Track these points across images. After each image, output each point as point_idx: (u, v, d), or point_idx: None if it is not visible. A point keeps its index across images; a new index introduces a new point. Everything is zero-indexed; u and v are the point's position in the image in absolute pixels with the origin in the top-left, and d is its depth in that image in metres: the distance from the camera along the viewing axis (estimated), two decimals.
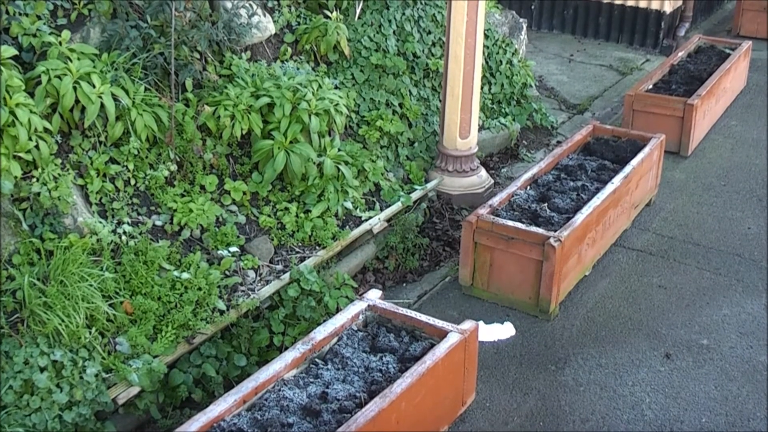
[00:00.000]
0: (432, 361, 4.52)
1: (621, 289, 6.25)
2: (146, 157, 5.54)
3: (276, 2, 7.10)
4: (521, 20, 9.76)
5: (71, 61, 5.16)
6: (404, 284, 6.42)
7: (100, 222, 5.11)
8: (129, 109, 5.34)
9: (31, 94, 4.97)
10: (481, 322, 5.59)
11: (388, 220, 6.62)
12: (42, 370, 4.40)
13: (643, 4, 11.62)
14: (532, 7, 12.31)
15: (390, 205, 6.73)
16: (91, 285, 4.76)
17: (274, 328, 5.43)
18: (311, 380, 4.54)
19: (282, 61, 6.82)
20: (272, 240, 5.96)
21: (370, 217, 6.50)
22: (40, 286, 4.64)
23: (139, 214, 5.43)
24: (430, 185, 7.14)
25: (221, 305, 5.26)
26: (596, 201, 6.19)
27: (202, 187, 5.84)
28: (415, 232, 6.68)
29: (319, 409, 4.28)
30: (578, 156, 7.25)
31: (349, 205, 6.39)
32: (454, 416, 4.93)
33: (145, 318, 4.96)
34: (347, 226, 6.33)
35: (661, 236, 6.95)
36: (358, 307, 5.06)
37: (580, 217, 5.97)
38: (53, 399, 4.37)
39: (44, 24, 5.31)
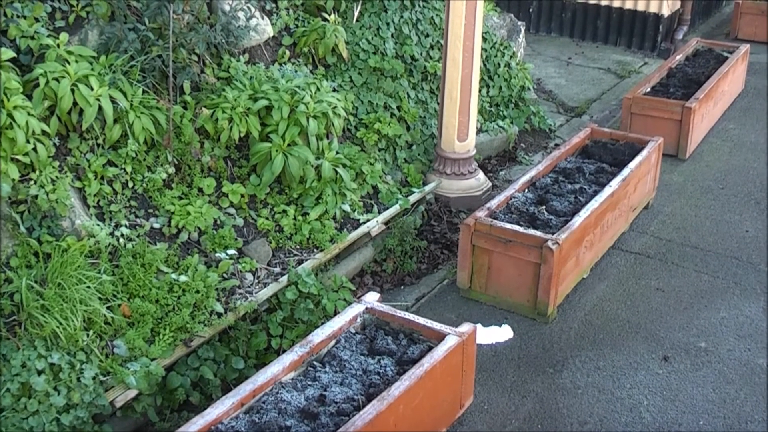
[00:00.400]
0: (430, 364, 4.52)
1: (619, 292, 6.25)
2: (144, 159, 5.54)
3: (274, 5, 7.11)
4: (519, 23, 9.77)
5: (69, 63, 5.16)
6: (402, 287, 6.41)
7: (98, 224, 5.11)
8: (127, 111, 5.34)
9: (29, 97, 4.96)
10: (479, 325, 5.58)
11: (386, 223, 6.62)
12: (39, 373, 4.40)
13: (641, 8, 11.64)
14: (531, 10, 12.33)
15: (388, 208, 6.73)
16: (88, 288, 4.75)
17: (272, 330, 5.43)
18: (309, 383, 4.54)
19: (280, 64, 6.83)
20: (270, 243, 5.96)
21: (368, 220, 6.50)
22: (38, 288, 4.63)
23: (136, 216, 5.43)
24: (428, 188, 7.14)
25: (219, 308, 5.26)
26: (594, 204, 6.19)
27: (200, 190, 5.84)
28: (413, 235, 6.67)
29: (317, 412, 4.28)
30: (576, 159, 7.25)
31: (347, 207, 6.39)
32: (452, 419, 4.92)
33: (142, 321, 4.95)
34: (345, 229, 6.33)
35: (659, 239, 6.96)
36: (356, 309, 5.05)
37: (578, 220, 5.97)
38: (51, 402, 4.36)
39: (42, 26, 5.31)
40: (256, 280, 5.68)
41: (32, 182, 4.87)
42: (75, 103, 5.09)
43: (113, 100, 5.25)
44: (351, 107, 7.01)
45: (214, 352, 5.15)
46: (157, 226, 5.48)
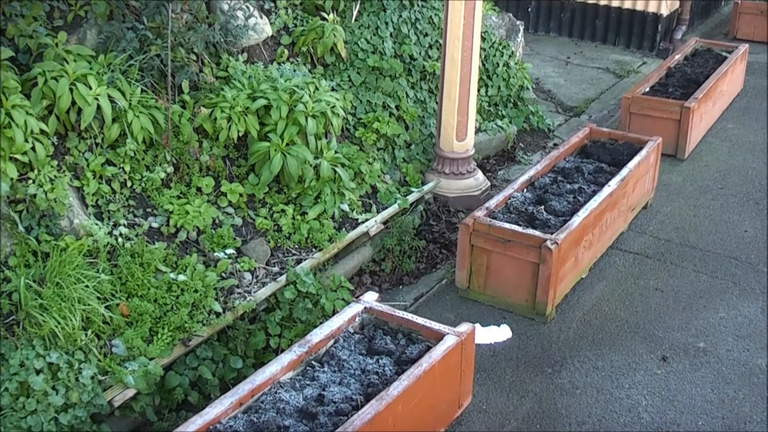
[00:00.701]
0: (428, 364, 4.51)
1: (618, 292, 6.25)
2: (142, 159, 5.53)
3: (272, 4, 7.10)
4: (518, 23, 9.77)
5: (68, 62, 5.15)
6: (401, 287, 6.41)
7: (96, 224, 5.10)
8: (125, 110, 5.33)
9: (28, 96, 4.96)
10: (477, 325, 5.58)
11: (385, 223, 6.62)
12: (38, 372, 4.39)
13: (639, 7, 11.63)
14: (530, 9, 12.32)
15: (386, 208, 6.73)
16: (87, 287, 4.75)
17: (271, 330, 5.43)
18: (307, 383, 4.54)
19: (279, 63, 6.82)
20: (269, 242, 5.96)
21: (367, 220, 6.49)
22: (36, 288, 4.63)
23: (135, 216, 5.42)
24: (426, 188, 7.14)
25: (217, 307, 5.25)
26: (593, 204, 6.19)
27: (199, 189, 5.84)
28: (411, 235, 6.67)
29: (316, 412, 4.27)
30: (575, 159, 7.25)
31: (345, 207, 6.38)
32: (450, 419, 4.92)
33: (141, 320, 4.95)
34: (344, 229, 6.33)
35: (657, 239, 6.96)
36: (354, 309, 5.05)
37: (576, 220, 5.96)
38: (49, 401, 4.35)
39: (41, 25, 5.30)
40: (255, 280, 5.67)
41: (31, 181, 4.87)
42: (73, 102, 5.09)
43: (112, 100, 5.24)
44: (350, 106, 7.00)
45: (212, 351, 5.15)
46: (155, 225, 5.48)
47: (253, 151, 5.98)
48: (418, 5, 8.17)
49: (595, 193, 6.42)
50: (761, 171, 8.15)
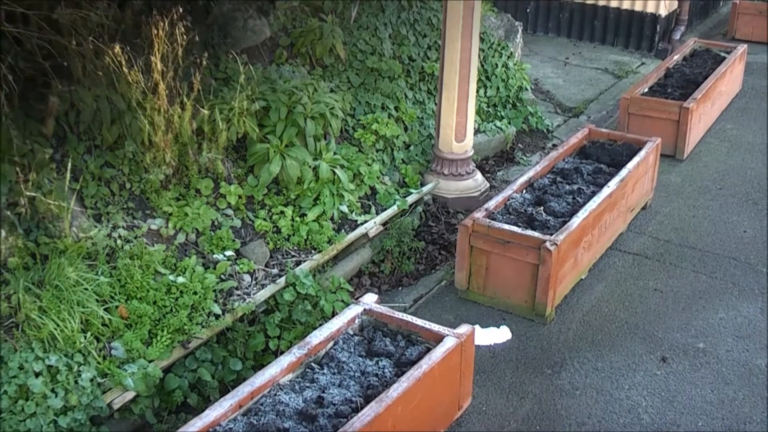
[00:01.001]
0: (428, 366, 4.51)
1: (617, 292, 6.25)
2: (141, 160, 5.53)
3: (271, 5, 7.09)
4: (517, 23, 9.76)
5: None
6: (400, 288, 6.41)
7: (96, 226, 5.10)
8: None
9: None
10: (477, 326, 5.58)
11: (384, 224, 6.61)
12: (37, 375, 4.39)
13: (638, 8, 11.63)
14: (528, 10, 12.32)
15: (386, 209, 6.73)
16: (86, 289, 4.75)
17: (270, 332, 5.42)
18: (307, 385, 4.53)
19: (278, 65, 6.82)
20: (268, 244, 5.95)
21: (366, 221, 6.49)
22: (35, 290, 4.62)
23: (134, 218, 5.42)
24: (425, 189, 7.14)
25: (217, 309, 5.25)
26: (592, 205, 6.19)
27: (198, 191, 5.83)
28: (410, 236, 6.67)
29: (315, 414, 4.27)
30: (574, 159, 7.24)
31: (344, 208, 6.38)
32: (450, 420, 4.92)
33: (140, 322, 4.94)
34: (343, 230, 6.33)
35: (657, 240, 6.95)
36: (354, 311, 5.05)
37: (576, 221, 5.96)
38: (48, 404, 4.35)
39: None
40: (254, 282, 5.67)
41: (30, 183, 4.85)
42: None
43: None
44: (348, 108, 6.99)
45: (211, 353, 5.14)
46: (154, 227, 5.47)
47: (252, 152, 5.98)
48: (416, 6, 8.16)
49: (594, 194, 6.42)
50: (760, 171, 8.15)
